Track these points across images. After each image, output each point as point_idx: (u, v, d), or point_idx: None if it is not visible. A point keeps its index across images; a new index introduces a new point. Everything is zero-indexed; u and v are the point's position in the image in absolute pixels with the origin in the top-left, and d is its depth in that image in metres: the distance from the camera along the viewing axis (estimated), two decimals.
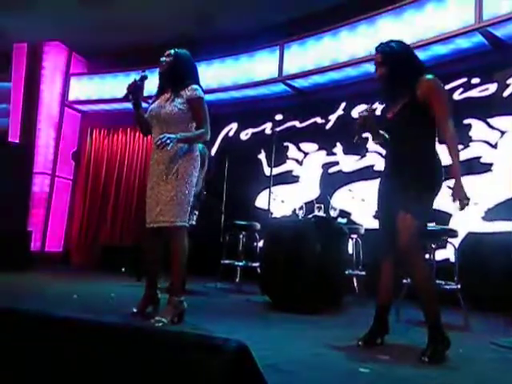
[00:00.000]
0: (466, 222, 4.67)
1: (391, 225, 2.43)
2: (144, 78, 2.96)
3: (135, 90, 2.91)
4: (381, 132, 2.61)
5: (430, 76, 2.43)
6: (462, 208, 2.28)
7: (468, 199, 2.27)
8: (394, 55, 2.46)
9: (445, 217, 4.72)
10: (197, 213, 4.36)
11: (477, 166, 4.78)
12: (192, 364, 0.73)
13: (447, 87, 4.93)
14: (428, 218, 2.44)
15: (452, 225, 4.50)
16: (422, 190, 2.36)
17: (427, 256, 3.44)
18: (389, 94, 2.56)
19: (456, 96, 5.04)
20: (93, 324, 0.96)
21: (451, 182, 2.34)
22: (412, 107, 2.42)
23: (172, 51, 2.95)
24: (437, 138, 2.48)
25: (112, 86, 7.44)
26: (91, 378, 0.95)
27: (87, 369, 0.95)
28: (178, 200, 2.77)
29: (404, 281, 3.43)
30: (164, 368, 0.78)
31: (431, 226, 3.59)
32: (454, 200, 2.30)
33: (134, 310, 2.89)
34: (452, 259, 4.07)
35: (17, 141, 7.52)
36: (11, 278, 4.80)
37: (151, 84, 3.08)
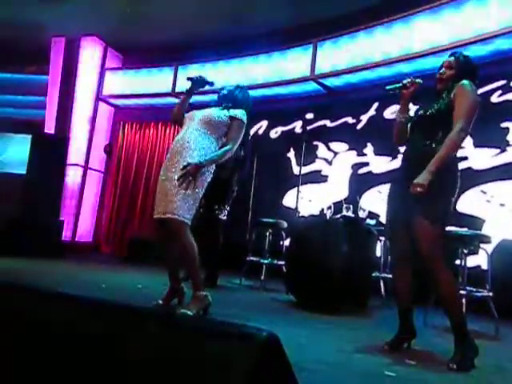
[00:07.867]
0: (501, 228, 4.53)
1: (406, 228, 2.39)
2: (210, 84, 3.15)
3: (198, 81, 3.10)
4: (408, 114, 2.59)
5: (466, 81, 2.39)
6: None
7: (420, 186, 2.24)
8: (465, 65, 2.48)
9: (478, 222, 4.60)
10: (228, 208, 4.38)
11: None
12: (223, 351, 0.73)
13: (485, 89, 4.79)
14: (447, 221, 2.39)
15: (485, 231, 4.37)
16: (441, 195, 2.31)
17: (458, 262, 3.36)
18: (437, 96, 2.53)
19: (494, 99, 4.89)
20: (121, 307, 0.97)
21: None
22: (444, 109, 2.38)
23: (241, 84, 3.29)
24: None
25: (146, 82, 7.52)
26: (118, 364, 0.95)
27: (114, 354, 0.96)
28: (185, 195, 2.76)
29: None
30: (195, 354, 0.78)
31: (463, 230, 3.49)
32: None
33: (160, 302, 2.92)
34: (484, 266, 3.95)
35: (52, 132, 7.72)
36: (42, 266, 4.93)
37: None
